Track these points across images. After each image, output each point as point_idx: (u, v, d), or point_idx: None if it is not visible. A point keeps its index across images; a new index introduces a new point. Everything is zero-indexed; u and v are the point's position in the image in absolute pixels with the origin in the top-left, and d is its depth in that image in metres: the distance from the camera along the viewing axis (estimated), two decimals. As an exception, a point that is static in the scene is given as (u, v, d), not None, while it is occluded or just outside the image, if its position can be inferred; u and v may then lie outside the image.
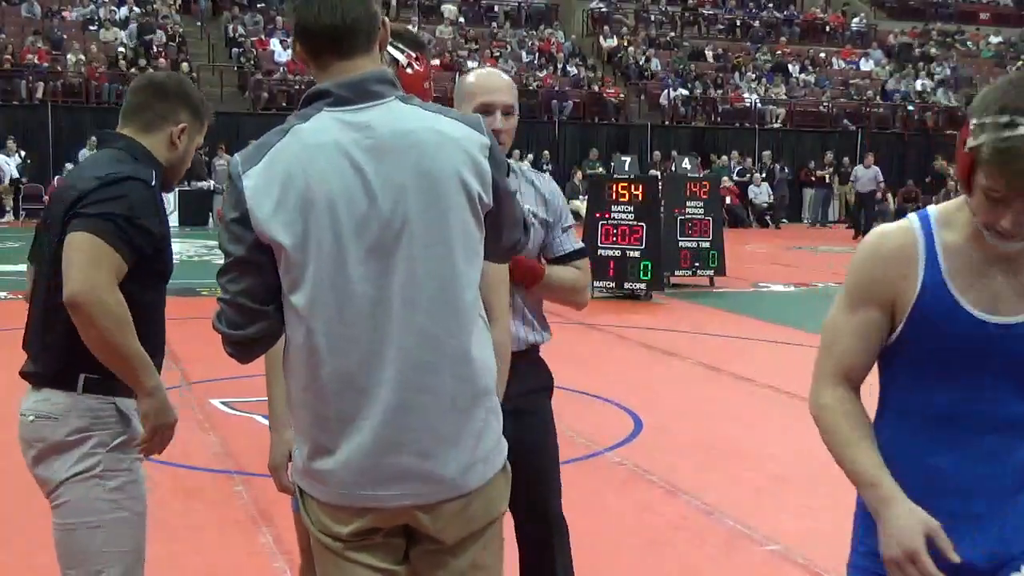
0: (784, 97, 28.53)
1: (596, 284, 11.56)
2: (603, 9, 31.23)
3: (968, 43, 33.48)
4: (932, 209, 2.03)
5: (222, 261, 2.04)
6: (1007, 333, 1.92)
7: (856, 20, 33.26)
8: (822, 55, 31.23)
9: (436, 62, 26.25)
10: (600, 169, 22.14)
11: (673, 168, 14.59)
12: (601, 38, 29.91)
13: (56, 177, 20.04)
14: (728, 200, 22.50)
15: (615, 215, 11.98)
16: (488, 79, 2.92)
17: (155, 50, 24.03)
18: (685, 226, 13.14)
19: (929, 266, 1.94)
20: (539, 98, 25.85)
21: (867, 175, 22.92)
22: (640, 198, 11.96)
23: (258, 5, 27.64)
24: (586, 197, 15.43)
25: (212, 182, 22.17)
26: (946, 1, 35.24)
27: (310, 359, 1.98)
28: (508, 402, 2.92)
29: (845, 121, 28.28)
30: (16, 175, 21.37)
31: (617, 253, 11.95)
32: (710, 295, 12.80)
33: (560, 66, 27.87)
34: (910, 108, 29.17)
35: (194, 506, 4.99)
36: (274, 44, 25.63)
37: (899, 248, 1.97)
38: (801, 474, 5.53)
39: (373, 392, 1.97)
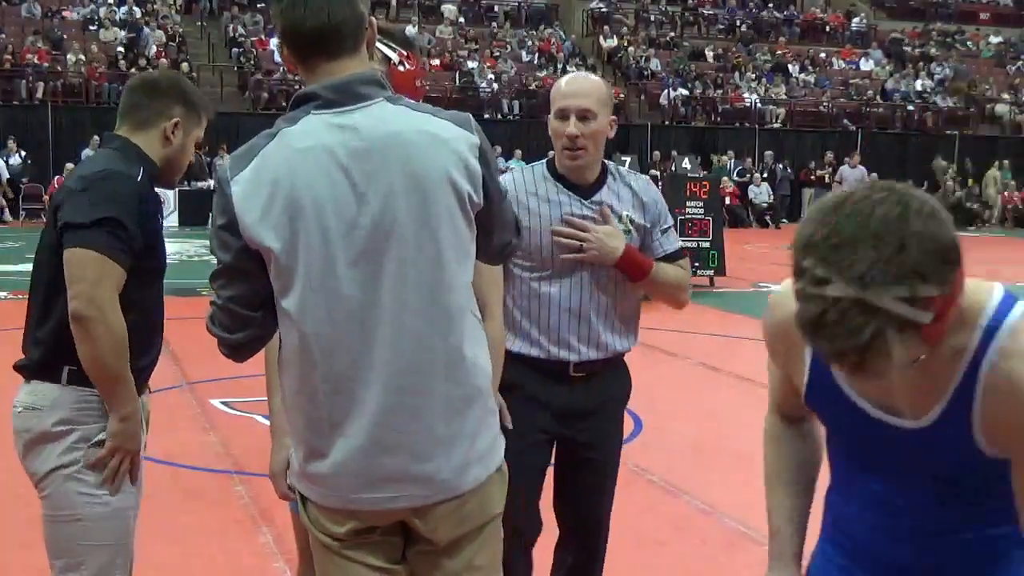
0: (784, 97, 28.52)
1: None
2: (603, 9, 31.22)
3: (968, 43, 33.47)
4: None
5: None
6: (908, 436, 1.63)
7: (856, 20, 33.26)
8: (822, 55, 31.23)
9: (436, 62, 26.28)
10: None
11: (673, 168, 14.60)
12: (601, 38, 29.90)
13: (56, 177, 20.04)
14: (728, 200, 22.48)
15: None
16: (569, 84, 2.96)
17: (155, 50, 24.02)
18: (685, 226, 13.13)
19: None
20: (539, 98, 25.84)
21: (853, 175, 22.06)
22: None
23: (258, 5, 27.62)
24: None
25: (212, 182, 22.18)
26: (946, 1, 35.23)
27: (302, 362, 1.99)
28: (587, 406, 3.01)
29: (845, 121, 28.27)
30: (7, 175, 21.25)
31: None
32: (710, 295, 12.79)
33: (560, 66, 27.85)
34: (910, 108, 29.17)
35: (194, 506, 4.98)
36: (274, 44, 25.51)
37: (787, 321, 1.58)
38: (801, 474, 5.52)
39: (365, 395, 1.96)
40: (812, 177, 26.41)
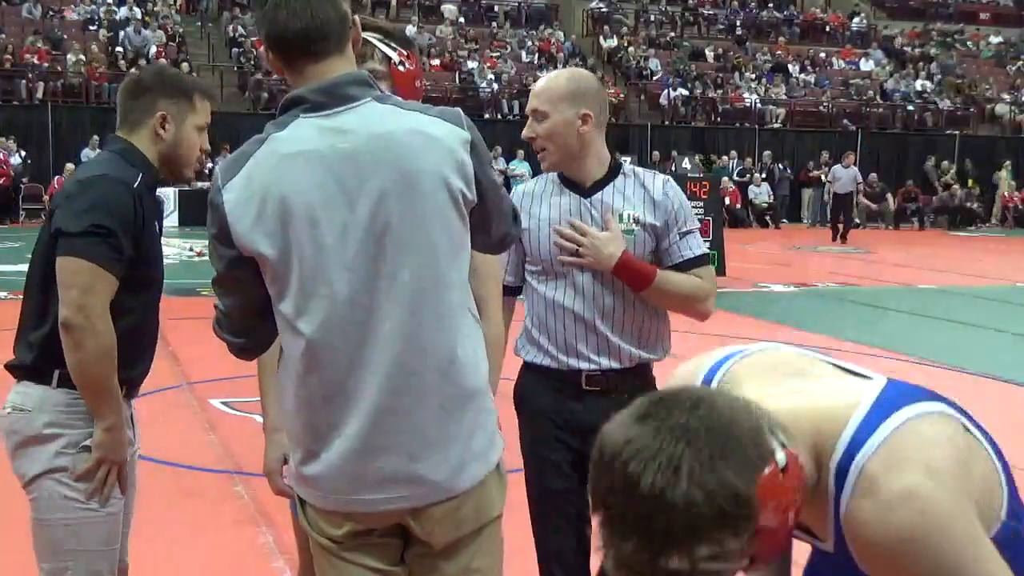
0: (784, 97, 28.52)
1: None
2: (603, 9, 31.22)
3: (968, 43, 33.47)
4: (735, 364, 1.69)
5: None
6: (832, 555, 1.58)
7: (856, 20, 33.26)
8: (822, 55, 31.22)
9: (436, 62, 26.26)
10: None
11: (673, 168, 14.59)
12: (601, 38, 29.90)
13: (56, 177, 20.04)
14: (728, 200, 22.47)
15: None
16: (535, 85, 2.91)
17: (155, 50, 24.02)
18: (685, 226, 13.11)
19: None
20: (539, 98, 25.85)
21: (847, 175, 21.71)
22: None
23: (259, 5, 27.60)
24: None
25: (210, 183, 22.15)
26: (946, 1, 35.24)
27: (299, 366, 1.99)
28: (591, 422, 2.78)
29: (845, 121, 28.27)
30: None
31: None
32: (710, 295, 12.78)
33: (560, 66, 27.83)
34: (910, 108, 29.17)
35: (194, 506, 4.98)
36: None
37: None
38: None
39: (359, 397, 1.96)
40: (810, 176, 26.40)
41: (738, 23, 31.96)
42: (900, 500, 1.42)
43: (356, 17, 2.07)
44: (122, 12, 25.98)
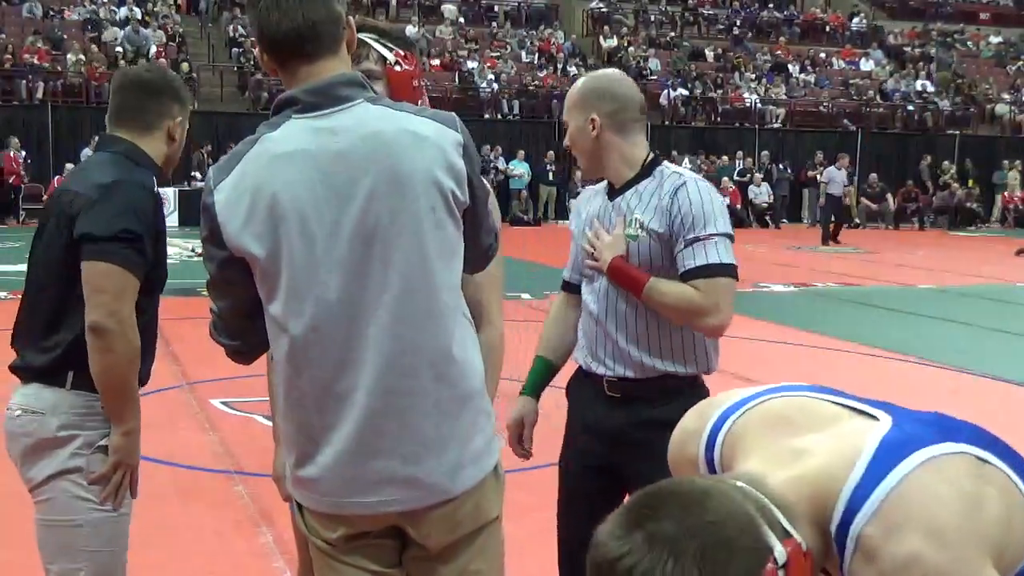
0: (784, 97, 28.52)
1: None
2: (603, 9, 31.22)
3: (968, 43, 33.47)
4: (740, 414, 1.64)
5: None
6: None
7: (856, 20, 33.26)
8: (822, 55, 31.23)
9: (436, 62, 26.25)
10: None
11: (673, 168, 14.58)
12: (601, 38, 29.89)
13: (56, 176, 20.02)
14: (728, 200, 22.47)
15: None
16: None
17: (155, 50, 24.02)
18: (685, 226, 13.11)
19: None
20: (539, 98, 25.84)
21: (841, 176, 21.58)
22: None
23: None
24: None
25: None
26: (946, 1, 35.24)
27: (289, 367, 1.98)
28: (629, 432, 2.72)
29: (845, 121, 28.27)
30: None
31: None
32: (710, 295, 12.78)
33: (560, 66, 27.86)
34: (910, 108, 29.17)
35: (194, 506, 4.98)
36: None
37: (678, 458, 1.65)
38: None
39: (351, 398, 1.95)
40: (809, 176, 26.40)
41: (738, 23, 31.97)
42: (902, 569, 1.38)
43: (351, 18, 2.06)
44: (122, 12, 25.97)
